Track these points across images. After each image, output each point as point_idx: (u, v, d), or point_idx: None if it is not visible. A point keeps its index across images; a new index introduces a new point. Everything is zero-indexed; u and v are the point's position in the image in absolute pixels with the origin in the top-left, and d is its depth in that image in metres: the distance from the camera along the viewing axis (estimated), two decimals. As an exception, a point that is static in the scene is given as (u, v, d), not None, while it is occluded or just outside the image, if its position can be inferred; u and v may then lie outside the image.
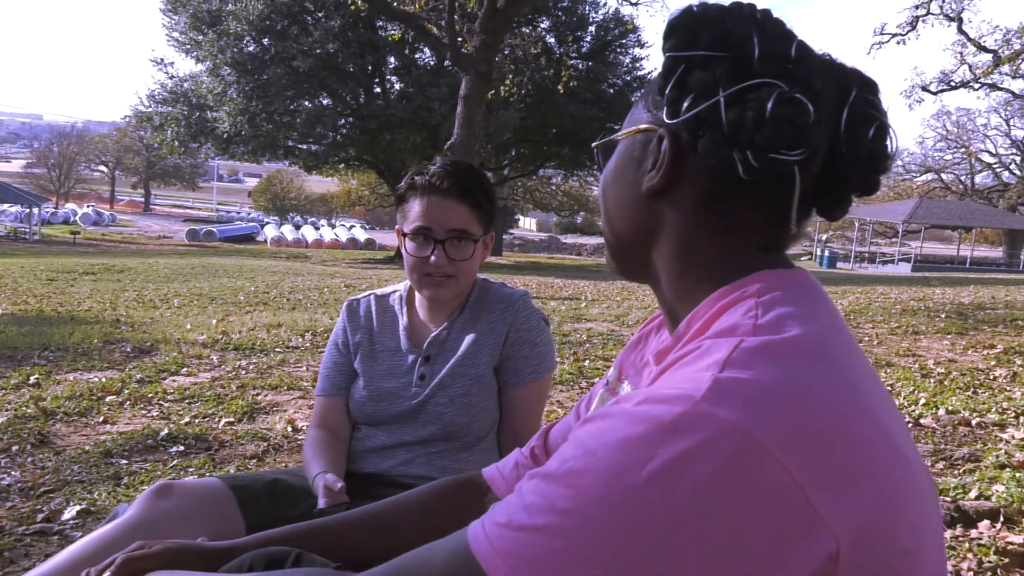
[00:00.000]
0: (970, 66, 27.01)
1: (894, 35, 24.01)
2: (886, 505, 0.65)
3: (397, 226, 1.88)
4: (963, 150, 44.97)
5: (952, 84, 29.35)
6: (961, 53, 26.45)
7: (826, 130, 0.76)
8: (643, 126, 0.84)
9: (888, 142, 0.78)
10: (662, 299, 0.88)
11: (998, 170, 45.67)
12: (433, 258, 1.76)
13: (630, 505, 0.61)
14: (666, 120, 0.78)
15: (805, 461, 0.62)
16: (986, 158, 45.51)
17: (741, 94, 0.73)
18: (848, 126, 0.76)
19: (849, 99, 0.77)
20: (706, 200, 0.80)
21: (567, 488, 0.65)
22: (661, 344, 0.85)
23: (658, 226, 0.84)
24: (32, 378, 4.69)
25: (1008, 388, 4.72)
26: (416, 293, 1.93)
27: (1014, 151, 44.82)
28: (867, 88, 0.78)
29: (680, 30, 0.78)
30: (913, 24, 23.29)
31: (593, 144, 0.94)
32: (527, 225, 67.44)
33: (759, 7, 0.79)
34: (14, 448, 3.35)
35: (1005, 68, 23.26)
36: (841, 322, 0.77)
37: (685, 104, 0.76)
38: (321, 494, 1.62)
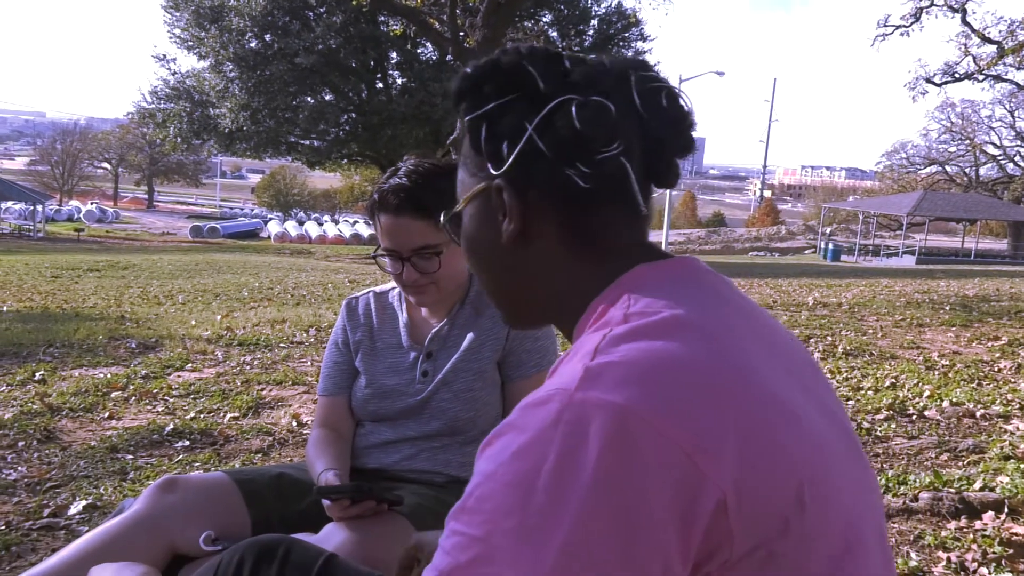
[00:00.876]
0: (974, 57, 26.89)
1: (898, 27, 23.88)
2: (764, 457, 0.68)
3: None
4: (967, 142, 44.82)
5: (956, 76, 29.23)
6: (965, 44, 26.35)
7: (631, 116, 0.82)
8: (477, 188, 0.87)
9: (682, 101, 0.85)
10: (559, 325, 0.90)
11: (1003, 162, 45.53)
12: (404, 276, 1.76)
13: (539, 509, 0.63)
14: (494, 172, 0.83)
15: (681, 425, 0.65)
16: (991, 150, 45.40)
17: (547, 119, 0.79)
18: (643, 103, 0.82)
19: (632, 81, 0.82)
20: (563, 224, 0.84)
21: (479, 514, 0.66)
22: None
23: (533, 270, 0.87)
24: (38, 374, 4.70)
25: (1013, 380, 4.72)
26: None
27: (1019, 143, 44.69)
28: (641, 67, 0.84)
29: (466, 93, 0.85)
30: (917, 15, 23.17)
31: (442, 224, 0.96)
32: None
33: (515, 47, 0.85)
34: (20, 444, 3.37)
35: (1009, 59, 23.14)
36: (729, 299, 0.81)
37: (504, 150, 0.81)
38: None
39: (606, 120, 0.79)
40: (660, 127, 0.83)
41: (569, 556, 0.62)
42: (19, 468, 3.08)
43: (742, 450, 0.66)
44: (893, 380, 4.65)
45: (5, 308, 8.16)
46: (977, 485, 2.83)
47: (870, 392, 4.35)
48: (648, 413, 0.64)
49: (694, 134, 0.87)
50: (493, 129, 0.82)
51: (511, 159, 0.81)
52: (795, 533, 0.68)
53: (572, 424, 0.64)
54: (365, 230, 44.07)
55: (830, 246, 36.21)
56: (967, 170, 46.65)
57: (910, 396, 4.24)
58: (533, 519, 0.63)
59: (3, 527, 2.52)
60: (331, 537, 1.48)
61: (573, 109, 0.78)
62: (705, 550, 0.65)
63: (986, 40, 24.33)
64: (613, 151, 0.79)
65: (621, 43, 28.19)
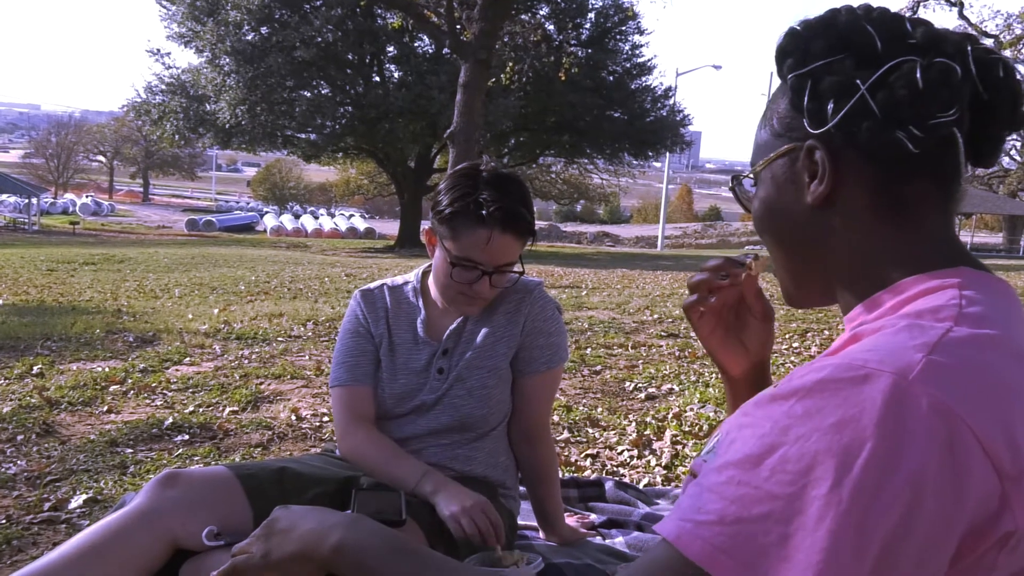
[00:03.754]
0: (971, 51, 26.85)
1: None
2: None
3: (427, 227, 1.84)
4: (963, 136, 44.79)
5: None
6: (962, 38, 26.34)
7: (967, 85, 0.79)
8: (785, 148, 0.86)
9: (1019, 76, 0.81)
10: (839, 302, 0.90)
11: (998, 156, 45.51)
12: (478, 287, 1.74)
13: (853, 488, 0.63)
14: (813, 131, 0.81)
15: (1004, 450, 0.65)
16: (986, 144, 45.33)
17: (883, 79, 0.77)
18: (979, 73, 0.79)
19: (969, 52, 0.79)
20: (877, 190, 0.82)
21: (781, 473, 0.66)
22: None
23: (829, 238, 0.85)
24: (35, 368, 4.69)
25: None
26: (430, 285, 1.92)
27: (1014, 137, 44.67)
28: (973, 40, 0.82)
29: (792, 51, 0.83)
30: (914, 9, 23.14)
31: (731, 186, 0.97)
32: (527, 213, 66.91)
33: (849, 7, 0.83)
34: (19, 438, 3.36)
35: (1007, 53, 23.16)
36: None
37: (829, 109, 0.79)
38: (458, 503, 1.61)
39: (952, 83, 0.76)
40: (996, 100, 0.80)
41: (867, 547, 0.62)
42: (19, 462, 3.08)
43: None
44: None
45: (1, 302, 8.13)
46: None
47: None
48: (978, 429, 0.64)
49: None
50: (818, 87, 0.80)
51: (838, 117, 0.79)
52: None
53: (906, 415, 0.64)
54: (361, 224, 44.01)
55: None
56: (963, 164, 46.61)
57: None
58: (847, 496, 0.63)
59: (4, 521, 2.52)
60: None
61: (918, 69, 0.76)
62: (965, 572, 0.67)
63: (983, 34, 24.33)
64: (949, 117, 0.76)
65: (618, 36, 28.16)
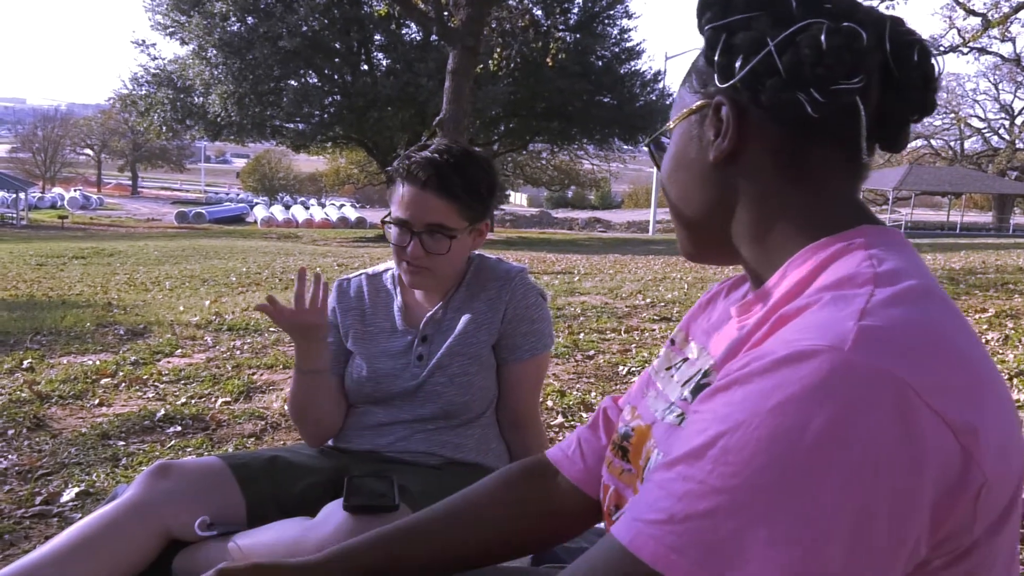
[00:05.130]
0: (959, 30, 26.88)
1: (883, 0, 23.85)
2: (1012, 439, 0.68)
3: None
4: (952, 115, 44.91)
5: (941, 49, 29.16)
6: (950, 17, 26.29)
7: (876, 58, 0.78)
8: (696, 104, 0.86)
9: (934, 62, 0.81)
10: (742, 263, 0.89)
11: (987, 135, 45.69)
12: (409, 249, 1.74)
13: (801, 470, 0.60)
14: (720, 85, 0.81)
15: (955, 406, 0.63)
16: (975, 123, 45.53)
17: (791, 38, 0.76)
18: (893, 51, 0.79)
19: (886, 29, 0.79)
20: (780, 151, 0.81)
21: (725, 465, 0.63)
22: (737, 301, 0.86)
23: (732, 196, 0.85)
24: (25, 362, 4.67)
25: (1000, 351, 4.75)
26: None
27: (1003, 115, 44.83)
28: (898, 21, 0.81)
29: (712, 4, 0.82)
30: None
31: (644, 144, 0.97)
32: (518, 200, 67.16)
33: None
34: (10, 432, 3.35)
35: (994, 31, 23.13)
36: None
37: (737, 64, 0.79)
38: None
39: (857, 47, 0.75)
40: (906, 80, 0.79)
41: (827, 529, 0.59)
42: (9, 456, 3.06)
43: (1001, 436, 0.65)
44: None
45: (-10, 297, 8.09)
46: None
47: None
48: (925, 390, 0.62)
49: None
50: (731, 41, 0.79)
51: (742, 73, 0.78)
52: (1007, 527, 0.68)
53: (846, 388, 0.61)
54: (352, 214, 43.88)
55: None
56: (952, 143, 46.79)
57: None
58: (792, 481, 0.60)
59: (-5, 516, 2.51)
60: (329, 520, 1.47)
61: (824, 32, 0.75)
62: (947, 535, 0.64)
63: (971, 12, 24.28)
64: (852, 85, 0.76)
65: (606, 21, 28.09)
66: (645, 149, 0.99)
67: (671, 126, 0.91)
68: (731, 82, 0.79)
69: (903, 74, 0.79)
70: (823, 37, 0.75)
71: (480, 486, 1.15)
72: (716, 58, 0.81)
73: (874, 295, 0.68)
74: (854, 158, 0.81)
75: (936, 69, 0.81)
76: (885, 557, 0.61)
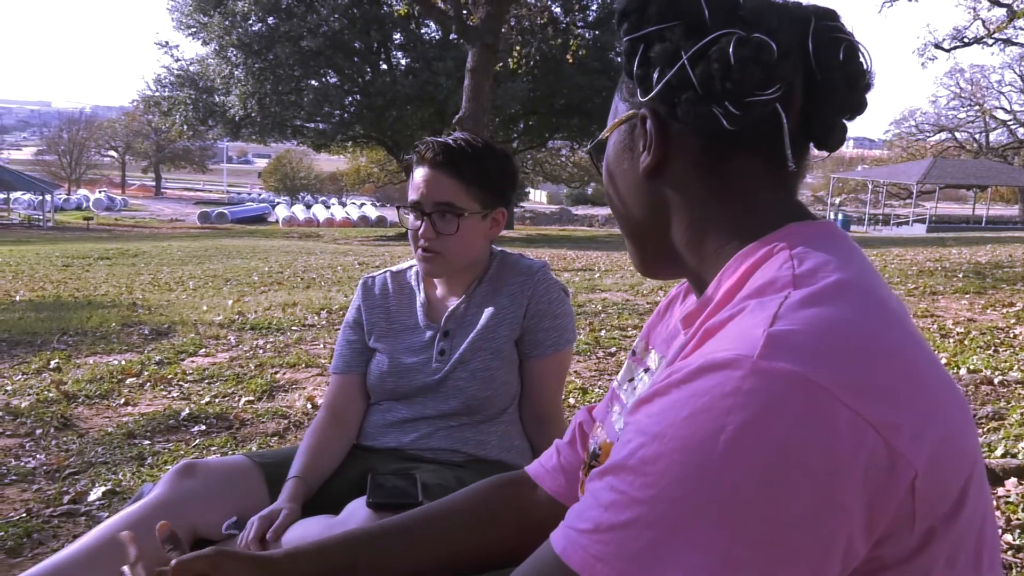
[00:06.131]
0: (983, 21, 26.58)
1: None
2: (952, 431, 0.66)
3: None
4: (977, 108, 44.38)
5: (965, 40, 28.90)
6: (974, 8, 26.05)
7: (796, 63, 0.76)
8: (625, 114, 0.86)
9: (861, 59, 0.79)
10: (687, 273, 0.88)
11: (1013, 127, 45.07)
12: (423, 232, 1.75)
13: (713, 479, 0.60)
14: (641, 99, 0.80)
15: (873, 401, 0.61)
16: (1000, 115, 44.93)
17: (703, 51, 0.75)
18: (816, 52, 0.77)
19: (810, 29, 0.77)
20: (701, 163, 0.80)
21: (643, 476, 0.63)
22: (687, 309, 0.85)
23: (665, 206, 0.84)
24: (52, 362, 4.72)
25: (1029, 346, 4.68)
26: None
27: (1028, 108, 44.18)
28: (826, 16, 0.79)
29: (629, 13, 0.80)
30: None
31: (584, 151, 0.95)
32: (538, 198, 67.07)
33: None
34: (38, 432, 3.38)
35: (1020, 22, 22.85)
36: (873, 267, 0.77)
37: (654, 77, 0.77)
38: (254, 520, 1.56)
39: (764, 60, 0.73)
40: (829, 82, 0.77)
41: (744, 534, 0.59)
42: (38, 456, 3.10)
43: (935, 429, 0.64)
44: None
45: (18, 297, 8.19)
46: (999, 452, 2.81)
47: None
48: (839, 389, 0.61)
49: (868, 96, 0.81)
50: (647, 54, 0.78)
51: (658, 87, 0.77)
52: (962, 517, 0.67)
53: (756, 394, 0.61)
54: (373, 212, 44.03)
55: (839, 216, 36.01)
56: (977, 136, 46.22)
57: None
58: (706, 490, 0.60)
59: (24, 514, 2.54)
60: (352, 517, 1.47)
61: (732, 44, 0.73)
62: (887, 531, 0.63)
63: (995, 3, 23.98)
64: (768, 96, 0.74)
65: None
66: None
67: (604, 136, 0.90)
68: (649, 96, 0.78)
69: (825, 76, 0.77)
70: (731, 50, 0.73)
71: (459, 495, 1.15)
72: (635, 70, 0.79)
73: (789, 298, 0.67)
74: (781, 164, 0.80)
75: (865, 67, 0.79)
76: (810, 558, 0.60)
